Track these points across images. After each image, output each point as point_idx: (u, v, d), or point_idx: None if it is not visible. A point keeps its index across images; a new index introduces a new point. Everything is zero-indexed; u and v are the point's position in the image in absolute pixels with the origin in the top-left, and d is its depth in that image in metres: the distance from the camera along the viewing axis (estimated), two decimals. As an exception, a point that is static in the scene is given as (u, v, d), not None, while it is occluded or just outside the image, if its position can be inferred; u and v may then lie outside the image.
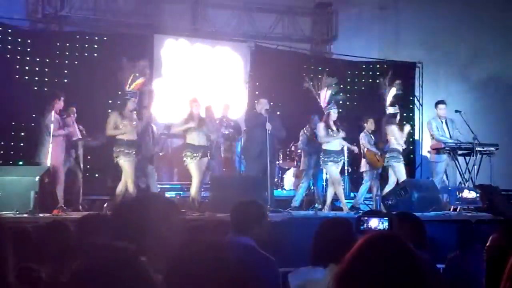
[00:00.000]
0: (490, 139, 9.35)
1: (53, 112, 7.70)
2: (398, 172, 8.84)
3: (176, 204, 2.56)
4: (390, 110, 8.98)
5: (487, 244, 3.20)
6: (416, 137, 12.75)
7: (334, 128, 8.49)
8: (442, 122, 9.29)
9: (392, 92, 8.94)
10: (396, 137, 8.87)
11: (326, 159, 8.47)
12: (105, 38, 10.87)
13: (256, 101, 9.25)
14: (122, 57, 7.89)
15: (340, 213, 8.18)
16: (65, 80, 10.15)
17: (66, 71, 10.35)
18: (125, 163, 7.64)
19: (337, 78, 8.96)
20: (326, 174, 9.10)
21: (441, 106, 9.37)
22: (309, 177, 9.47)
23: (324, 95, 8.58)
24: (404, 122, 10.06)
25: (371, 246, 1.65)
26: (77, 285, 1.54)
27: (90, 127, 8.79)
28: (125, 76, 7.70)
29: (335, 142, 8.52)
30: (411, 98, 12.76)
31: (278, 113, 10.51)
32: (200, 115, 8.26)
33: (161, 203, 2.56)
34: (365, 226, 3.10)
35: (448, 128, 9.29)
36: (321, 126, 8.54)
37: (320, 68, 11.95)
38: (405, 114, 12.02)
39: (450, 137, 9.18)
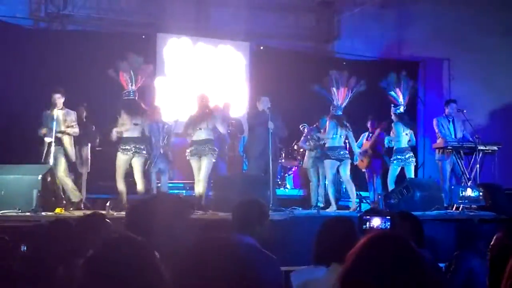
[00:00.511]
0: (493, 138, 9.33)
1: (55, 109, 7.78)
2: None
3: (189, 202, 2.55)
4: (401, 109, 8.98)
5: (491, 243, 3.19)
6: (419, 136, 12.73)
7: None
8: (449, 120, 9.27)
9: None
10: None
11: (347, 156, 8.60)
12: (107, 37, 10.88)
13: (257, 100, 9.22)
14: (124, 56, 7.94)
15: (343, 212, 8.21)
16: (68, 79, 10.15)
17: (68, 70, 10.35)
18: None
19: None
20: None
21: (453, 105, 9.31)
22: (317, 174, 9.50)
23: (343, 93, 8.55)
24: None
25: (373, 246, 1.65)
26: (89, 272, 1.57)
27: (106, 125, 8.80)
28: (127, 75, 7.77)
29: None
30: (414, 97, 12.73)
31: (280, 112, 10.49)
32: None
33: (174, 202, 2.57)
34: (367, 225, 3.10)
35: (454, 127, 9.27)
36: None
37: (323, 67, 11.91)
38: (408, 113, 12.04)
39: (455, 136, 9.15)
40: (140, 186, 7.72)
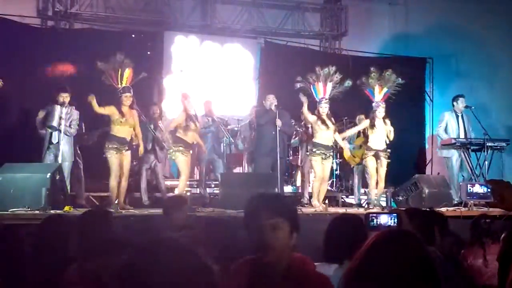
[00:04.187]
0: (501, 135, 9.30)
1: (57, 106, 7.84)
2: None
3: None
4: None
5: (501, 240, 3.19)
6: (427, 133, 12.70)
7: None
8: (458, 116, 9.22)
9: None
10: None
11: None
12: (115, 35, 10.90)
13: (264, 98, 9.22)
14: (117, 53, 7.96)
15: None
16: (75, 78, 10.17)
17: (76, 69, 10.37)
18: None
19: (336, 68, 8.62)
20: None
21: (461, 99, 9.22)
22: None
23: (324, 87, 8.39)
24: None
25: (382, 244, 1.65)
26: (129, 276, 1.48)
27: (98, 124, 8.80)
28: (111, 73, 7.77)
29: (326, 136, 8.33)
30: (421, 93, 12.70)
31: (288, 109, 10.48)
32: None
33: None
34: (375, 222, 3.10)
35: (464, 123, 9.23)
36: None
37: (330, 64, 11.89)
38: (415, 110, 12.06)
39: (465, 133, 9.10)
40: (123, 182, 7.76)
